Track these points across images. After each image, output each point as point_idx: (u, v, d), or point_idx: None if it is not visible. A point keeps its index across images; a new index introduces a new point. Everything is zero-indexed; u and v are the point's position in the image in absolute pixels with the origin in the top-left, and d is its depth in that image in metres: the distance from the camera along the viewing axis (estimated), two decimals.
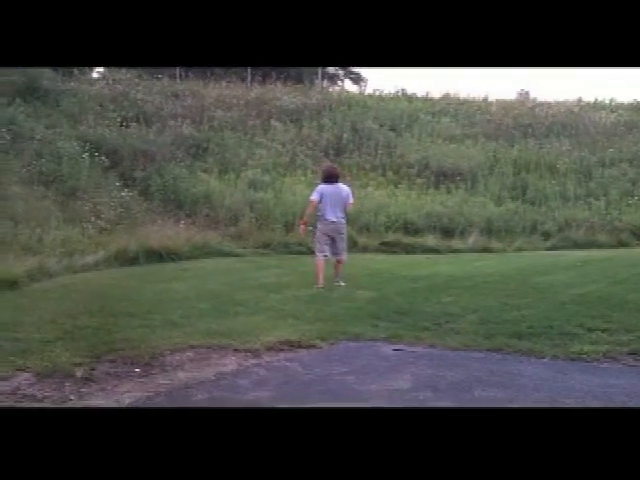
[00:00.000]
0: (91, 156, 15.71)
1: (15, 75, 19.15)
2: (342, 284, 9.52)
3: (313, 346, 6.16)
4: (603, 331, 6.45)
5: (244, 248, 14.08)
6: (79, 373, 5.20)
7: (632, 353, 5.78)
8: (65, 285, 9.65)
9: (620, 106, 25.04)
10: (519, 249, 15.60)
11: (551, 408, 4.16)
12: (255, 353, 5.89)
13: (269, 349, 6.01)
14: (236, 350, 5.96)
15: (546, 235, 16.53)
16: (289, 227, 15.00)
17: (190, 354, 5.82)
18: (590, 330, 6.51)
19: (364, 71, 38.47)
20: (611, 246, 16.01)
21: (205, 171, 17.49)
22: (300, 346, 6.13)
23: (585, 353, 5.74)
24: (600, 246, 15.93)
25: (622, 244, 16.29)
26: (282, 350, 6.02)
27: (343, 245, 9.87)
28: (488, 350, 6.01)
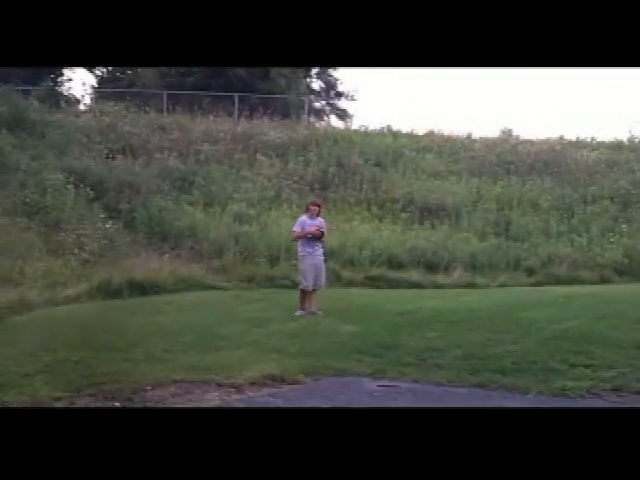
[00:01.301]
0: (76, 187, 15.68)
1: (2, 106, 19.19)
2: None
3: (297, 381, 6.11)
4: (586, 367, 6.45)
5: (228, 282, 14.03)
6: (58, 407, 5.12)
7: (615, 389, 5.78)
8: (46, 318, 9.55)
9: (601, 144, 25.40)
10: (503, 284, 15.65)
11: (551, 408, 4.14)
12: (238, 388, 5.83)
13: (252, 384, 5.95)
14: (219, 385, 5.90)
15: (529, 271, 16.62)
16: (274, 261, 14.98)
17: (172, 389, 5.76)
18: (573, 366, 6.51)
19: (350, 107, 38.91)
20: (593, 282, 16.11)
21: (191, 204, 17.49)
22: (283, 381, 6.08)
23: (569, 389, 5.74)
24: (583, 282, 16.03)
25: (604, 280, 16.40)
26: (265, 385, 5.96)
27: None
28: (472, 386, 5.99)
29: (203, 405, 5.32)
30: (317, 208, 10.57)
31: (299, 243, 10.37)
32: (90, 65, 18.35)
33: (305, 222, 10.32)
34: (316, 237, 10.25)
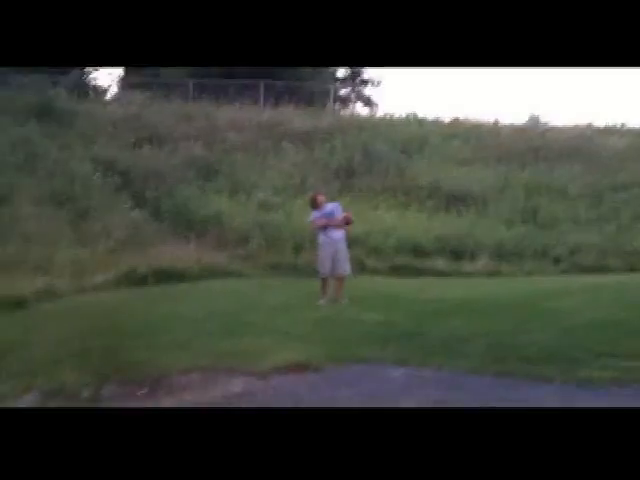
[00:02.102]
0: (103, 176, 15.82)
1: (31, 96, 19.39)
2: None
3: (321, 369, 6.14)
4: (612, 357, 6.39)
5: (253, 269, 14.07)
6: (85, 393, 5.20)
7: None
8: (74, 306, 9.67)
9: (631, 131, 24.98)
10: (529, 273, 15.49)
11: (551, 408, 4.11)
12: (262, 375, 5.87)
13: (276, 371, 5.99)
14: (244, 372, 5.95)
15: (557, 259, 16.41)
16: (298, 249, 14.99)
17: (197, 375, 5.82)
18: (599, 356, 6.44)
19: (375, 94, 38.69)
20: (622, 270, 15.87)
21: (216, 192, 17.54)
22: (307, 368, 6.11)
23: (594, 379, 5.69)
24: (611, 271, 15.79)
25: (633, 269, 16.14)
26: (289, 372, 6.00)
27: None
28: (497, 374, 5.96)
29: (226, 392, 5.36)
30: (323, 198, 10.60)
31: (318, 232, 10.35)
32: (90, 65, 18.43)
33: (324, 212, 10.28)
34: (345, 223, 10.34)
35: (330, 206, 10.49)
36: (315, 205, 10.47)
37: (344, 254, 10.36)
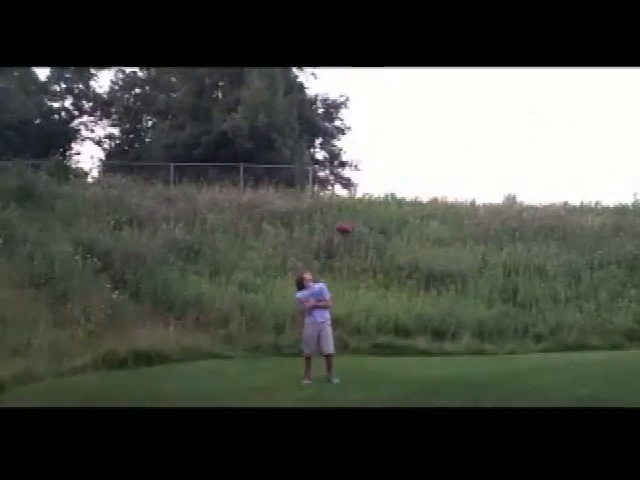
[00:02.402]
0: (83, 258, 15.77)
1: (11, 179, 19.53)
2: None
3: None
4: None
5: (234, 351, 13.93)
6: None
7: None
8: (52, 389, 9.49)
9: (606, 209, 25.55)
10: (511, 352, 15.47)
11: (551, 408, 4.05)
12: None
13: None
14: None
15: (538, 337, 16.44)
16: (279, 329, 14.90)
17: None
18: None
19: (354, 176, 39.37)
20: (604, 348, 15.91)
21: (196, 273, 17.52)
22: None
23: None
24: (592, 348, 15.83)
25: (615, 346, 16.19)
26: None
27: None
28: None
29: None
30: (310, 276, 10.80)
31: (306, 310, 10.36)
32: (91, 65, 18.54)
33: (312, 292, 10.40)
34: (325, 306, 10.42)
35: (317, 286, 10.57)
36: (301, 284, 10.50)
37: (329, 334, 10.40)
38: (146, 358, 12.25)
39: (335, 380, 9.94)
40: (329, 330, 10.43)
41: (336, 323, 15.08)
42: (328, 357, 10.24)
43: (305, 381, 9.93)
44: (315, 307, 10.17)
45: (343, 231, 10.53)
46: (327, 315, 10.42)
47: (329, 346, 10.33)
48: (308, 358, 10.25)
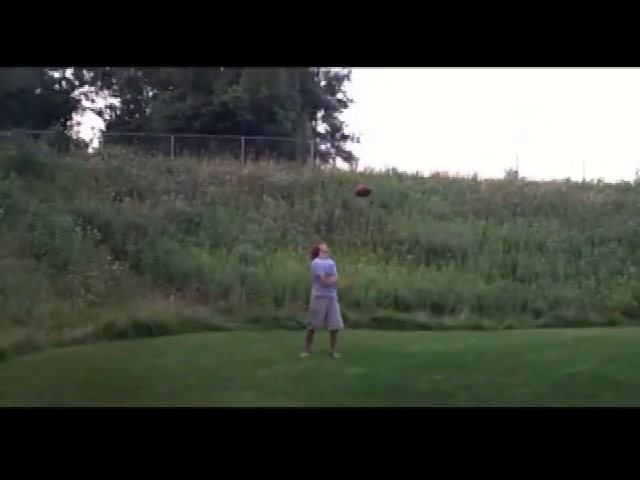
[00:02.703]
0: (84, 229, 15.76)
1: (12, 149, 19.44)
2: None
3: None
4: None
5: (234, 323, 13.99)
6: None
7: None
8: (52, 359, 9.53)
9: (607, 186, 25.49)
10: (510, 327, 15.55)
11: (551, 408, 4.08)
12: None
13: None
14: None
15: (537, 313, 16.52)
16: (279, 302, 14.96)
17: None
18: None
19: (355, 149, 39.22)
20: (602, 325, 15.99)
21: (197, 245, 17.54)
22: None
23: None
24: (591, 324, 15.91)
25: (613, 323, 16.28)
26: None
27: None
28: None
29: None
30: (325, 247, 10.73)
31: (314, 284, 10.32)
32: (91, 65, 18.46)
33: (324, 265, 10.34)
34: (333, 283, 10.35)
35: (330, 261, 10.57)
36: (316, 254, 10.48)
37: (337, 308, 10.42)
38: (146, 329, 12.30)
39: (337, 355, 9.95)
40: (337, 304, 10.42)
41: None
42: (335, 332, 10.23)
43: (304, 353, 9.97)
44: (330, 282, 10.17)
45: (364, 192, 10.43)
46: (335, 290, 10.42)
47: (338, 320, 10.33)
48: (312, 331, 10.22)
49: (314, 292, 10.31)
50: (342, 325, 10.45)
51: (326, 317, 10.19)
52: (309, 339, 10.22)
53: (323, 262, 10.38)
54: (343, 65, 30.92)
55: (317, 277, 10.26)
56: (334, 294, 10.37)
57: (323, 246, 10.71)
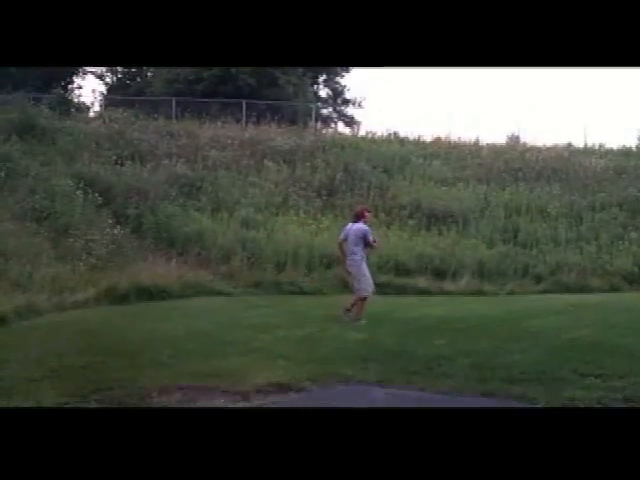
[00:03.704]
0: (85, 193, 15.71)
1: (13, 113, 19.29)
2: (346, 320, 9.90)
3: (303, 388, 6.09)
4: (596, 377, 6.39)
5: (235, 287, 14.02)
6: None
7: (626, 399, 5.71)
8: (54, 323, 9.56)
9: (609, 152, 25.33)
10: (511, 292, 15.58)
11: (551, 408, 4.10)
12: (244, 395, 5.81)
13: (258, 391, 5.93)
14: (225, 392, 5.89)
15: (538, 278, 16.54)
16: (281, 267, 14.97)
17: (178, 395, 5.74)
18: (583, 375, 6.46)
19: (357, 114, 38.89)
20: (603, 290, 16.01)
21: (198, 210, 17.50)
22: (290, 388, 6.06)
23: (578, 399, 5.68)
24: (592, 290, 15.94)
25: (614, 288, 16.30)
26: (272, 392, 5.94)
27: (353, 282, 10.40)
28: (480, 395, 5.94)
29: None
30: (369, 215, 10.78)
31: (354, 247, 10.14)
32: (91, 65, 18.39)
33: (347, 229, 10.37)
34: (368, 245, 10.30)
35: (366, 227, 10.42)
36: (359, 218, 10.39)
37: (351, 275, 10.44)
38: (147, 293, 12.34)
39: (347, 318, 9.97)
40: (351, 269, 10.42)
41: (337, 261, 15.16)
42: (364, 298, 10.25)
43: (362, 321, 9.85)
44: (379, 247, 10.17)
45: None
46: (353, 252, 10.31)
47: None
48: (365, 298, 10.15)
49: (357, 256, 10.12)
50: (355, 294, 10.38)
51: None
52: (362, 306, 10.09)
53: (351, 226, 10.37)
54: (343, 65, 30.66)
55: (365, 241, 10.12)
56: (349, 257, 10.30)
57: (368, 213, 10.65)
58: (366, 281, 10.16)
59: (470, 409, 3.84)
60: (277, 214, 17.90)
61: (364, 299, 10.15)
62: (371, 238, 10.23)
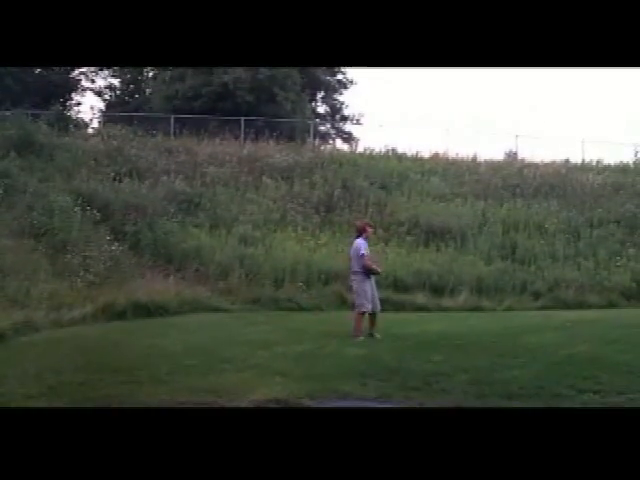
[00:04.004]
0: (83, 210, 15.73)
1: (11, 129, 19.36)
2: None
3: (301, 405, 6.06)
4: (595, 393, 6.38)
5: (233, 303, 14.00)
6: None
7: None
8: (51, 339, 9.53)
9: (607, 168, 25.43)
10: (509, 308, 15.57)
11: (551, 408, 4.09)
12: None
13: (256, 407, 5.90)
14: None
15: (536, 295, 16.54)
16: (279, 283, 14.96)
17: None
18: (581, 392, 6.44)
19: (355, 130, 38.99)
20: (601, 306, 16.02)
21: (196, 226, 17.52)
22: (287, 405, 6.03)
23: None
24: (590, 306, 15.94)
25: (612, 304, 16.31)
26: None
27: (354, 297, 10.44)
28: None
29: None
30: (371, 230, 10.76)
31: (354, 262, 10.26)
32: (91, 65, 18.45)
33: (366, 245, 10.36)
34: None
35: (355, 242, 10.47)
36: (361, 233, 10.48)
37: (376, 290, 10.45)
38: (145, 310, 12.31)
39: (378, 335, 9.99)
40: (353, 284, 10.47)
41: (335, 278, 15.19)
42: (376, 313, 10.27)
43: (360, 337, 9.87)
44: (367, 265, 10.17)
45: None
46: (354, 268, 10.39)
47: (377, 302, 10.40)
48: (364, 314, 10.17)
49: (357, 271, 10.23)
50: (379, 308, 10.44)
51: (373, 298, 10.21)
52: (361, 322, 10.12)
53: (365, 243, 10.39)
54: (343, 65, 30.80)
55: (361, 256, 10.20)
56: (351, 272, 10.40)
57: (370, 228, 10.69)
58: (365, 297, 10.13)
59: (470, 409, 3.82)
60: (275, 230, 17.92)
61: (362, 314, 10.13)
62: (362, 252, 10.23)
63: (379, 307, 10.40)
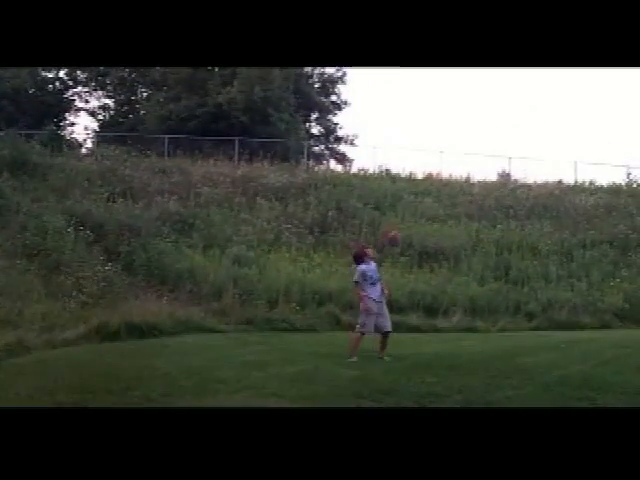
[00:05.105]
0: (76, 230, 15.71)
1: (4, 149, 19.38)
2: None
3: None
4: None
5: (227, 324, 13.96)
6: None
7: None
8: (44, 360, 9.48)
9: (599, 189, 25.61)
10: (503, 329, 15.58)
11: (551, 408, 4.08)
12: None
13: None
14: None
15: (530, 315, 16.57)
16: (272, 303, 14.94)
17: None
18: None
19: (349, 151, 39.16)
20: (594, 327, 16.05)
21: (190, 247, 17.51)
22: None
23: None
24: (583, 327, 15.97)
25: (605, 325, 16.34)
26: None
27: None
28: None
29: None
30: (372, 252, 10.65)
31: (362, 284, 10.14)
32: (90, 65, 18.43)
33: (370, 268, 10.22)
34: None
35: (373, 264, 10.40)
36: (361, 259, 10.35)
37: (386, 311, 10.31)
38: (138, 330, 12.26)
39: (387, 358, 9.86)
40: (385, 307, 10.32)
41: (329, 299, 15.18)
42: (386, 335, 10.14)
43: (353, 358, 9.76)
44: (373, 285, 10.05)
45: (391, 241, 10.27)
46: (381, 292, 10.26)
47: (388, 323, 10.22)
48: (363, 334, 10.07)
49: (364, 294, 10.10)
50: (390, 329, 10.24)
51: (377, 320, 10.06)
52: (357, 344, 10.02)
53: (368, 266, 10.26)
54: (343, 65, 30.93)
55: (365, 281, 10.10)
56: (381, 295, 10.22)
57: (370, 251, 10.62)
58: (364, 319, 10.07)
59: (470, 409, 3.82)
60: (269, 251, 17.93)
61: (362, 335, 10.08)
62: (355, 279, 10.24)
63: (389, 327, 10.21)
